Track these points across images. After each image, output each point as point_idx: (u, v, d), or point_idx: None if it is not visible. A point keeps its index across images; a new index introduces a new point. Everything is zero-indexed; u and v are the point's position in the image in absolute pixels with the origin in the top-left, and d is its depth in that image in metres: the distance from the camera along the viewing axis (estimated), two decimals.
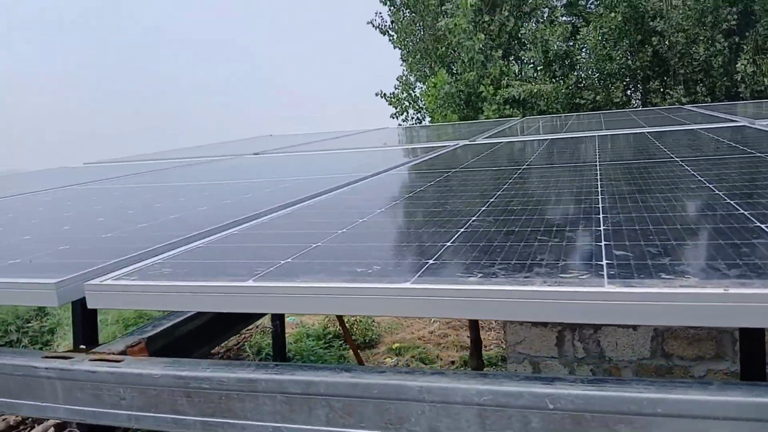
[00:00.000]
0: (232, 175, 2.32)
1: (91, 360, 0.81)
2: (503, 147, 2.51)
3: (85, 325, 3.69)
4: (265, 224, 1.14)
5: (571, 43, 10.50)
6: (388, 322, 7.57)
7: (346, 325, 6.00)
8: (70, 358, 0.82)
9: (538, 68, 14.26)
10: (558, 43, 10.43)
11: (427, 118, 16.26)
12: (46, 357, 0.83)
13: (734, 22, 9.18)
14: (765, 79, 8.87)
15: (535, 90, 10.62)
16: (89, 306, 0.78)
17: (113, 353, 0.84)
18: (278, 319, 5.87)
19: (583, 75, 10.22)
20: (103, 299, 0.77)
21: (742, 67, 9.00)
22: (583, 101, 10.16)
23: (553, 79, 10.92)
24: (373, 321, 7.20)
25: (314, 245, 0.92)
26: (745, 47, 9.15)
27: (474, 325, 3.07)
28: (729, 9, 9.09)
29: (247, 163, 2.89)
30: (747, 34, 9.14)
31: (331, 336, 6.74)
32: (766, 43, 8.85)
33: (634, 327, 3.34)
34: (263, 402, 0.71)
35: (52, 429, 4.04)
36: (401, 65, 17.42)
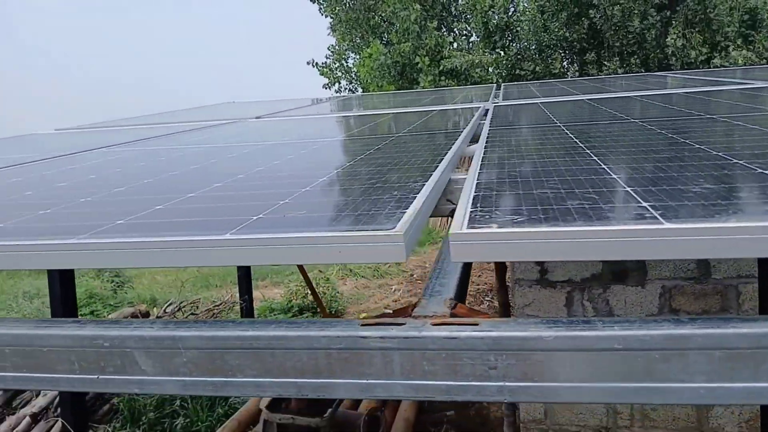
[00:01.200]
0: (283, 136, 2.14)
1: (435, 324, 0.68)
2: (556, 106, 2.46)
3: (65, 293, 3.36)
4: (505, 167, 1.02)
5: (511, 14, 10.62)
6: (350, 292, 7.48)
7: (313, 285, 5.89)
8: (401, 324, 0.69)
9: (470, 40, 14.44)
10: (499, 14, 10.52)
11: (359, 89, 16.08)
12: (366, 325, 0.69)
13: None
14: (693, 52, 9.34)
15: (477, 60, 10.69)
16: (454, 259, 0.65)
17: (443, 316, 0.71)
18: (247, 294, 5.66)
19: (523, 46, 10.38)
20: (473, 250, 0.64)
21: (672, 41, 9.43)
22: (523, 72, 10.34)
23: (493, 51, 11.04)
24: (337, 292, 7.10)
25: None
26: (674, 22, 9.59)
27: (503, 288, 3.04)
28: None
29: (271, 126, 2.68)
30: (678, 8, 9.58)
31: (296, 309, 6.58)
32: (696, 18, 9.31)
33: (642, 284, 3.45)
34: (695, 360, 0.62)
35: (28, 418, 3.69)
36: (329, 34, 17.09)
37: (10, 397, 4.05)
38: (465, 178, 1.10)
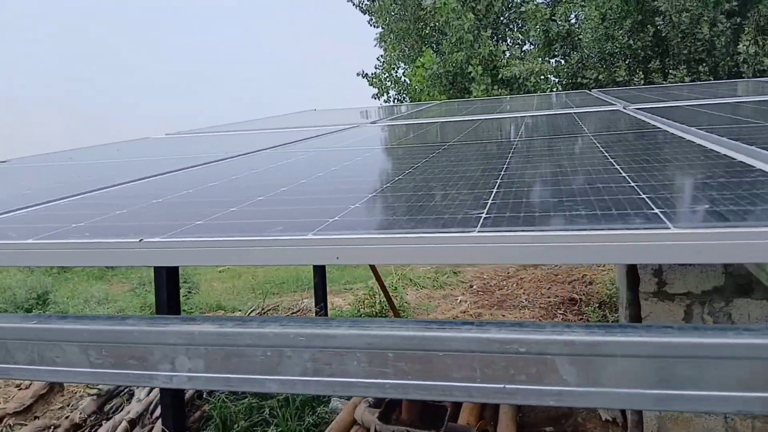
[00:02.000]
0: (447, 137, 2.06)
1: None
2: (716, 108, 2.34)
3: (170, 290, 3.37)
4: None
5: (573, 22, 10.46)
6: (415, 302, 7.38)
7: (386, 289, 5.86)
8: None
9: (523, 48, 14.29)
10: (560, 22, 10.37)
11: (407, 99, 16.03)
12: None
13: (736, 3, 9.32)
14: (766, 60, 9.05)
15: (537, 69, 10.54)
16: None
17: None
18: (323, 302, 5.61)
19: (584, 54, 10.20)
20: None
21: (744, 48, 9.15)
22: (585, 80, 10.15)
23: (551, 59, 10.89)
24: (405, 302, 7.00)
25: None
26: (746, 28, 9.31)
27: (636, 301, 2.90)
28: None
29: (406, 129, 2.61)
30: (749, 15, 9.30)
31: (365, 317, 6.50)
32: None
33: None
34: None
35: (125, 423, 3.67)
36: (376, 46, 17.11)
37: (102, 403, 4.05)
38: None
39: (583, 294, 7.06)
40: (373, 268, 5.69)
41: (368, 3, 15.89)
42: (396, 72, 15.98)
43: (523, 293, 7.51)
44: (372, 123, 3.15)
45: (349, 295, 7.63)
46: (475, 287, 8.50)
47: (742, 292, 3.29)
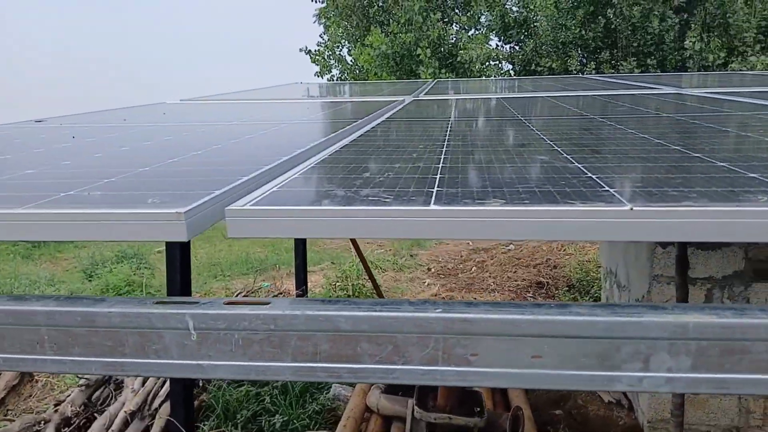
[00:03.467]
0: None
1: None
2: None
3: (183, 268, 3.06)
4: None
5: (529, 9, 10.57)
6: (384, 284, 7.27)
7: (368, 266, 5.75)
8: None
9: (469, 34, 14.37)
10: (518, 8, 10.47)
11: (349, 79, 15.77)
12: None
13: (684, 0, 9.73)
14: (711, 56, 9.51)
15: (494, 54, 10.61)
16: None
17: None
18: (304, 285, 5.41)
19: (539, 42, 10.36)
20: None
21: (690, 44, 9.57)
22: (539, 68, 10.31)
23: (508, 44, 11.00)
24: (380, 285, 6.88)
25: None
26: (693, 25, 9.74)
27: (684, 286, 2.92)
28: None
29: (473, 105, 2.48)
30: (695, 12, 9.74)
31: None
32: (714, 21, 9.48)
33: None
34: None
35: (124, 415, 3.36)
36: (315, 22, 16.75)
37: (90, 394, 3.70)
38: None
39: (550, 277, 7.20)
40: (354, 244, 5.52)
41: None
42: (340, 50, 15.66)
43: (489, 276, 7.57)
44: (414, 98, 3.00)
45: (315, 276, 7.42)
46: (433, 270, 8.50)
47: (761, 277, 3.41)
